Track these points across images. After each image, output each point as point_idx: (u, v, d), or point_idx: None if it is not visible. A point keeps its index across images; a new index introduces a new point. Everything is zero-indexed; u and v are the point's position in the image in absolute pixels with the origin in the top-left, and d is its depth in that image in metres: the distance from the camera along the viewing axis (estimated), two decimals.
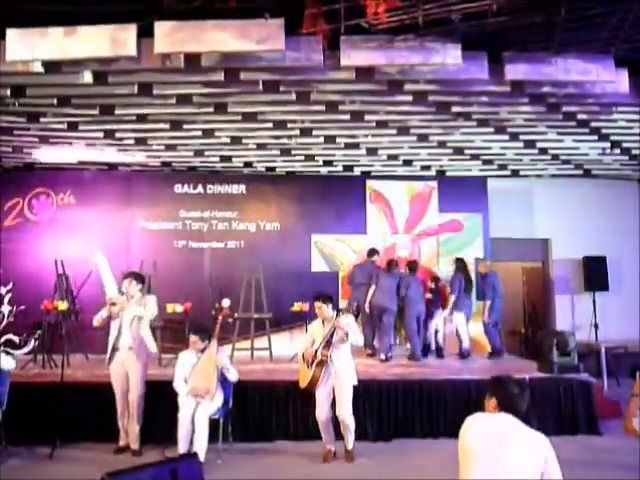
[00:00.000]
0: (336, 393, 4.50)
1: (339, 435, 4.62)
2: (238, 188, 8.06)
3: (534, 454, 2.16)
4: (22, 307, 7.34)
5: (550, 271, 8.83)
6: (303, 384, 4.53)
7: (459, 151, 7.27)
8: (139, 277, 4.88)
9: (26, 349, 7.04)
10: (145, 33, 4.43)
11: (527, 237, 8.61)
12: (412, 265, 7.22)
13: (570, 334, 6.01)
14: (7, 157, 7.50)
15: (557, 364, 5.60)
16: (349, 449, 4.59)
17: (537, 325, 8.70)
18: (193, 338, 4.63)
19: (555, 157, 7.55)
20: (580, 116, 5.91)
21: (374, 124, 6.16)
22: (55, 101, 5.42)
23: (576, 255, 8.52)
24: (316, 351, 4.45)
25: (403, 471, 4.38)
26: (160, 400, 4.77)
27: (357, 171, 8.26)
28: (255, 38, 4.31)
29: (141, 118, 5.95)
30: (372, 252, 7.36)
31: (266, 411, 5.21)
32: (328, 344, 4.41)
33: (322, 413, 4.50)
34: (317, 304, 4.58)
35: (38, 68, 4.61)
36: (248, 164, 7.89)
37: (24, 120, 5.95)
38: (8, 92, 5.16)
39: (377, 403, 5.17)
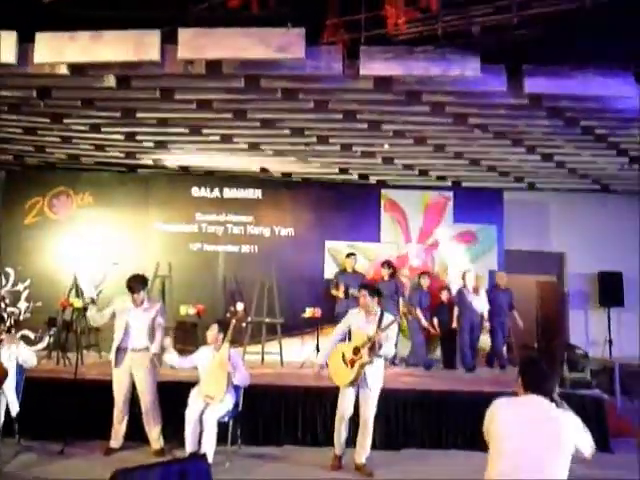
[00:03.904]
0: (363, 393, 4.44)
1: (349, 443, 4.60)
2: (254, 193, 8.13)
3: (565, 434, 2.19)
4: (39, 304, 7.52)
5: (565, 285, 8.74)
6: (343, 382, 4.42)
7: (475, 162, 7.27)
8: (145, 281, 4.85)
9: (41, 345, 7.19)
10: (169, 39, 4.53)
11: (542, 250, 8.55)
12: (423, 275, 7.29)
13: (579, 349, 5.95)
14: (29, 156, 7.67)
15: (569, 380, 5.55)
16: (362, 462, 4.49)
17: (550, 339, 8.62)
18: (213, 326, 4.64)
19: (572, 171, 7.51)
20: (598, 131, 5.89)
21: (391, 133, 6.19)
22: (79, 103, 5.55)
23: (591, 270, 8.44)
24: (358, 350, 4.36)
25: None
26: (170, 401, 4.82)
27: (372, 179, 8.29)
28: (276, 46, 4.38)
29: (161, 122, 6.06)
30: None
31: (275, 416, 5.23)
32: (372, 348, 4.30)
33: (347, 410, 4.45)
34: (362, 292, 4.52)
35: (64, 71, 4.73)
36: (264, 169, 7.96)
37: (48, 121, 6.09)
38: (34, 93, 5.30)
39: (386, 412, 5.16)
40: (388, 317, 4.47)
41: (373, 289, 4.60)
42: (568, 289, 8.69)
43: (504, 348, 7.24)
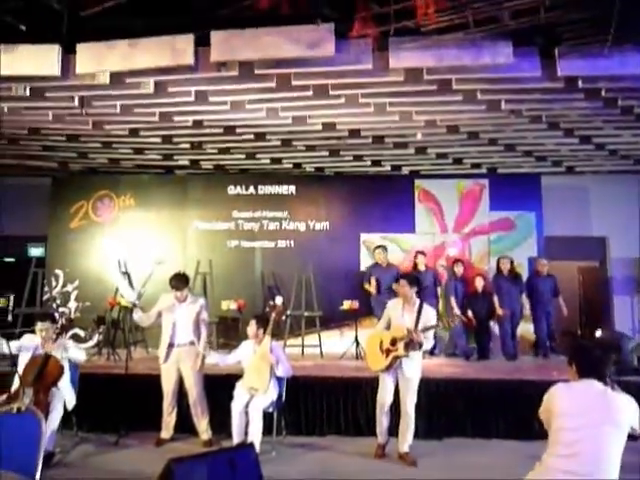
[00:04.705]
0: (402, 385, 4.50)
1: (392, 432, 4.65)
2: (288, 189, 8.22)
3: (621, 413, 2.30)
4: (87, 303, 7.86)
5: (608, 271, 8.52)
6: (376, 368, 4.53)
7: (511, 148, 7.16)
8: (187, 279, 4.98)
9: (91, 343, 7.51)
10: (201, 42, 4.66)
11: (583, 235, 8.35)
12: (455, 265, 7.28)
13: (626, 336, 5.82)
14: (73, 162, 7.99)
15: (615, 366, 5.44)
16: (405, 451, 4.52)
17: (594, 326, 8.42)
18: (252, 322, 4.77)
19: (613, 153, 7.30)
20: (638, 110, 5.71)
21: (423, 124, 6.17)
22: (118, 110, 5.75)
23: (635, 254, 8.20)
24: (395, 341, 4.40)
25: (458, 470, 4.39)
26: (216, 393, 4.98)
27: (405, 170, 8.27)
28: (306, 43, 4.44)
29: (197, 124, 6.21)
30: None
31: (318, 406, 5.33)
32: (409, 344, 4.33)
33: (386, 397, 4.53)
34: (402, 282, 4.55)
35: (104, 79, 4.93)
36: (297, 165, 8.05)
37: (89, 127, 6.34)
38: (76, 102, 5.53)
39: (428, 401, 5.18)
40: (427, 308, 4.49)
41: (413, 278, 4.63)
42: (612, 274, 8.47)
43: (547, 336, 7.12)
